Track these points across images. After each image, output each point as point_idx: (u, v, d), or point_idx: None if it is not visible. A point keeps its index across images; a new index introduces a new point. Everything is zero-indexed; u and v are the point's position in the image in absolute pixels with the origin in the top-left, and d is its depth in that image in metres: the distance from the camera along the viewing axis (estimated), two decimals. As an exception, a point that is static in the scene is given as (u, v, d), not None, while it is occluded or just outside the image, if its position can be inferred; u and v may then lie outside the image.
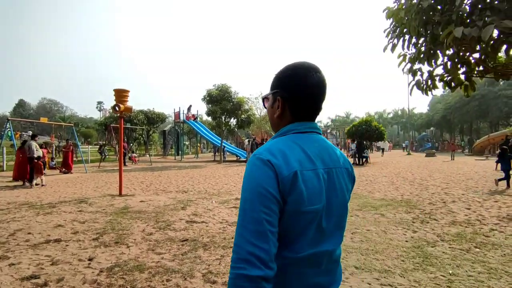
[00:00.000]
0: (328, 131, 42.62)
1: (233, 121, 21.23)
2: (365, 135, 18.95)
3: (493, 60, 2.70)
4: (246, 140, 32.27)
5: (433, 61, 2.85)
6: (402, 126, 59.54)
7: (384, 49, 3.15)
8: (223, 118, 20.24)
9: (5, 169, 14.27)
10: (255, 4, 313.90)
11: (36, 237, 4.28)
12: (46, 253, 3.67)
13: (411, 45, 3.02)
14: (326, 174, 0.85)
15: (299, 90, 0.88)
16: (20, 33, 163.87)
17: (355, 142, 19.76)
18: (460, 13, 2.41)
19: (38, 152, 9.85)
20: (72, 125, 17.78)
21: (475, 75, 2.92)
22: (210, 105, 19.58)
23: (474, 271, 3.09)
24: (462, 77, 2.85)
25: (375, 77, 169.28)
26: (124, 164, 17.12)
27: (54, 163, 15.45)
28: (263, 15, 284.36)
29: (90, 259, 3.45)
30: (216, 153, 24.92)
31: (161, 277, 3.00)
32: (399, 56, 3.10)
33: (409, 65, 3.07)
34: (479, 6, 2.38)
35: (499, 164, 9.07)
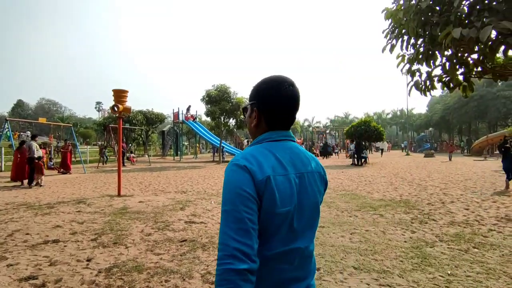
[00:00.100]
0: (327, 131, 42.59)
1: (232, 122, 21.22)
2: (364, 135, 18.97)
3: (491, 61, 2.71)
4: (245, 141, 32.42)
5: (431, 61, 2.86)
6: (401, 126, 59.61)
7: (383, 50, 3.17)
8: (222, 119, 20.21)
9: (3, 169, 14.24)
10: (255, 4, 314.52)
11: (34, 238, 4.26)
12: (44, 253, 3.66)
13: (409, 46, 3.04)
14: (298, 179, 0.91)
15: (273, 102, 0.95)
16: (18, 33, 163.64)
17: (354, 143, 19.79)
18: (459, 14, 2.42)
19: (38, 152, 9.92)
20: (71, 125, 17.70)
21: (473, 76, 2.93)
22: (209, 106, 19.54)
23: (473, 271, 3.10)
24: (461, 77, 2.86)
25: (374, 78, 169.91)
26: (123, 165, 17.10)
27: (52, 163, 15.42)
28: (263, 15, 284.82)
29: (89, 260, 3.45)
30: (215, 153, 24.90)
31: (160, 277, 2.99)
32: (397, 57, 3.11)
33: (407, 66, 3.08)
34: (477, 7, 2.39)
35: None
